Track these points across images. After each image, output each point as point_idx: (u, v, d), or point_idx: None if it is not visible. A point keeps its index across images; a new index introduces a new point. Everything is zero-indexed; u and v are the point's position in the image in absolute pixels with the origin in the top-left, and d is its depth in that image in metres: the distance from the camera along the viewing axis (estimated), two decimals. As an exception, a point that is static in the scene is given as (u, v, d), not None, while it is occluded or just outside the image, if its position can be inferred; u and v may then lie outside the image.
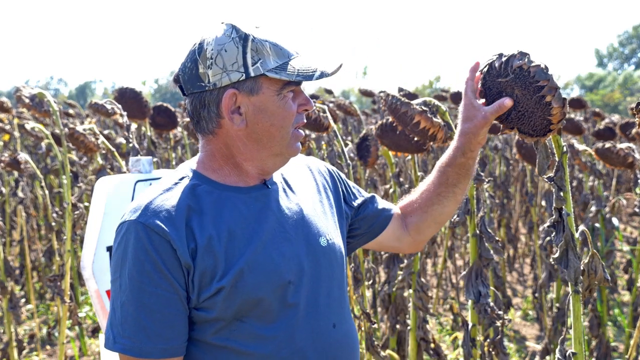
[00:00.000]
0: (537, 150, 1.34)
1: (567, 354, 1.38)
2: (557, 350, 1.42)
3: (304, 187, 1.42)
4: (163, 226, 1.18)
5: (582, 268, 1.37)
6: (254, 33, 1.22)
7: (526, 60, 1.26)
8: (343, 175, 1.56)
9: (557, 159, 1.33)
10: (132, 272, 1.18)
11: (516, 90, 1.31)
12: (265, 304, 1.24)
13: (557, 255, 1.35)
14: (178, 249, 1.18)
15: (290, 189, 1.37)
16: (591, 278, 1.37)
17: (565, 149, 1.33)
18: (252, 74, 1.21)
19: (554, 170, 1.34)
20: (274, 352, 1.24)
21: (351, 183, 1.58)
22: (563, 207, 1.34)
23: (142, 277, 1.18)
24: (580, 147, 3.51)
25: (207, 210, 1.23)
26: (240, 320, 1.23)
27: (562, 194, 1.33)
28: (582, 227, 1.43)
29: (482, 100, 1.40)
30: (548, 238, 3.75)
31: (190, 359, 1.26)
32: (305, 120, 1.32)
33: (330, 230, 1.38)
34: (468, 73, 1.42)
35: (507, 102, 1.33)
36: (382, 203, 1.57)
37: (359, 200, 1.54)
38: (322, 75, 1.24)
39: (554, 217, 1.37)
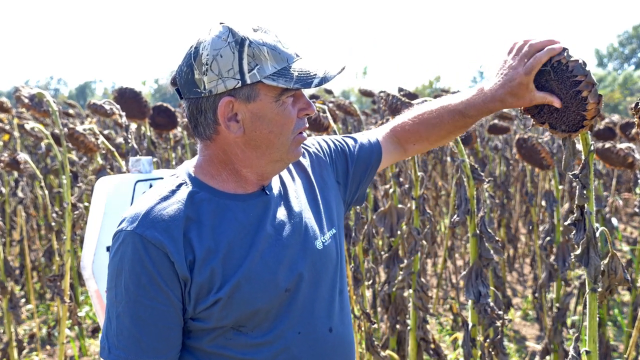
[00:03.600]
0: (565, 146, 1.33)
1: (581, 352, 1.38)
2: (571, 348, 1.42)
3: (298, 185, 1.39)
4: (160, 238, 1.16)
5: (602, 268, 1.36)
6: (251, 36, 1.18)
7: (565, 54, 1.25)
8: (332, 148, 1.52)
9: (583, 156, 1.32)
10: (129, 285, 1.17)
11: (553, 83, 1.29)
12: (262, 313, 1.23)
13: (578, 252, 1.35)
14: (176, 262, 1.16)
15: (287, 192, 1.35)
16: (611, 278, 1.37)
17: (592, 147, 1.32)
18: (249, 81, 1.17)
19: (579, 168, 1.33)
20: (270, 359, 1.24)
21: (341, 150, 1.53)
22: (585, 205, 1.34)
23: (139, 290, 1.16)
24: (580, 146, 3.50)
25: (206, 220, 1.21)
26: (237, 329, 1.23)
27: (585, 192, 1.33)
28: (602, 228, 1.42)
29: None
30: (548, 238, 3.75)
31: None
32: (307, 125, 1.29)
33: (325, 230, 1.37)
34: (544, 52, 1.28)
35: (557, 103, 1.29)
36: (369, 147, 1.54)
37: (351, 173, 1.52)
38: (323, 81, 1.20)
39: (574, 215, 1.36)
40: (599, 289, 1.36)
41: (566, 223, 1.38)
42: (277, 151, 1.25)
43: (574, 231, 1.37)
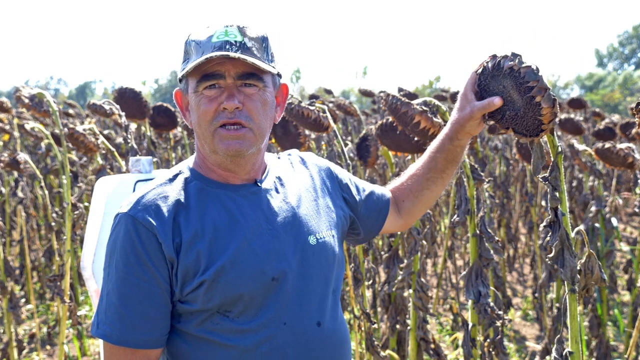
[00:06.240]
0: (532, 150, 1.35)
1: (564, 353, 1.38)
2: (554, 350, 1.42)
3: (299, 186, 1.43)
4: (150, 220, 1.22)
5: (578, 268, 1.37)
6: (193, 34, 1.28)
7: (517, 61, 1.28)
8: (344, 173, 1.57)
9: (552, 158, 1.33)
10: (119, 263, 1.23)
11: (509, 90, 1.32)
12: (247, 299, 1.26)
13: (552, 254, 1.36)
14: (163, 243, 1.21)
15: (283, 187, 1.39)
16: (587, 278, 1.38)
17: (560, 149, 1.33)
18: (179, 75, 1.31)
19: (548, 170, 1.34)
20: (254, 346, 1.26)
21: (353, 178, 1.58)
22: (558, 207, 1.34)
23: (127, 268, 1.22)
24: (580, 147, 3.51)
25: (195, 205, 1.27)
26: (223, 314, 1.26)
27: (557, 194, 1.33)
28: (581, 227, 1.43)
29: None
30: (548, 238, 3.74)
31: (175, 349, 1.30)
32: (231, 118, 1.25)
33: (322, 229, 1.39)
34: (477, 66, 1.42)
35: (497, 100, 1.35)
36: (379, 194, 1.59)
37: (362, 196, 1.56)
38: (196, 64, 1.22)
39: (549, 217, 1.37)
40: (577, 289, 1.37)
41: (542, 225, 1.39)
42: (205, 142, 1.30)
43: (550, 233, 1.37)
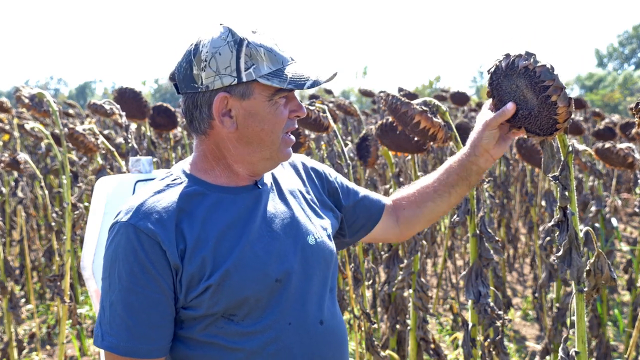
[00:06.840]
0: (543, 149, 1.34)
1: (571, 353, 1.38)
2: (560, 349, 1.42)
3: (294, 187, 1.44)
4: (153, 228, 1.20)
5: (587, 268, 1.37)
6: (250, 38, 1.24)
7: (532, 60, 1.27)
8: (335, 174, 1.59)
9: (562, 158, 1.33)
10: (122, 273, 1.21)
11: (523, 90, 1.32)
12: (252, 301, 1.26)
13: (560, 254, 1.35)
14: (167, 250, 1.21)
15: (280, 189, 1.40)
16: (597, 277, 1.37)
17: (570, 148, 1.33)
18: (245, 79, 1.23)
19: (558, 169, 1.34)
20: (260, 348, 1.27)
21: (344, 182, 1.60)
22: (567, 206, 1.34)
23: (131, 278, 1.20)
24: (580, 147, 3.50)
25: (197, 211, 1.26)
26: (228, 318, 1.26)
27: (566, 193, 1.33)
28: (584, 227, 1.43)
29: (491, 100, 1.45)
30: (548, 238, 3.74)
31: (180, 355, 1.29)
32: (296, 126, 1.34)
33: (318, 229, 1.40)
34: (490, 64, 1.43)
35: (510, 106, 1.36)
36: (372, 200, 1.60)
37: (350, 201, 1.58)
38: (315, 83, 1.25)
39: (558, 216, 1.37)
40: (585, 289, 1.37)
41: (549, 224, 1.39)
42: (267, 149, 1.30)
43: (557, 232, 1.37)
